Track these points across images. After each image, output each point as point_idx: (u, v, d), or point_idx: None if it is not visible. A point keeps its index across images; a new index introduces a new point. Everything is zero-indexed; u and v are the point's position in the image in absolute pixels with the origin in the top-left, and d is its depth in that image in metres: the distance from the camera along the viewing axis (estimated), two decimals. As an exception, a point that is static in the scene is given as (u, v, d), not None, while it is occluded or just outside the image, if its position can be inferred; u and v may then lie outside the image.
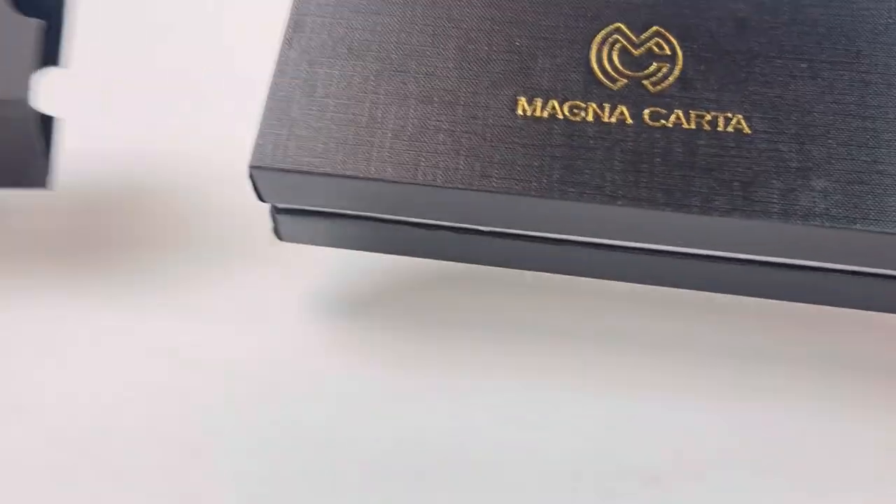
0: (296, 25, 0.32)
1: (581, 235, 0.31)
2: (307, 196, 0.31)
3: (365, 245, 0.33)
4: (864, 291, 0.31)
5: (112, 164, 0.37)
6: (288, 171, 0.30)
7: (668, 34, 0.32)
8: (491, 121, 0.30)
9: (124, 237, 0.36)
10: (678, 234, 0.30)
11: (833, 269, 0.30)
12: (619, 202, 0.29)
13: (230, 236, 0.36)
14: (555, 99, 0.31)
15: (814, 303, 0.32)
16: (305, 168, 0.30)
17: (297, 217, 0.32)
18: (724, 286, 0.32)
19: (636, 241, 0.31)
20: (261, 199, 0.31)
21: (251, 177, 0.30)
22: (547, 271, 0.33)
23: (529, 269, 0.33)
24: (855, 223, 0.28)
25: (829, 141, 0.29)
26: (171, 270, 0.35)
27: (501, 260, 0.33)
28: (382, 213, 0.31)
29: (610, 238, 0.31)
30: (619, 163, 0.29)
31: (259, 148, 0.30)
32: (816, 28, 0.31)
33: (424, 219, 0.31)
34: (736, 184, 0.29)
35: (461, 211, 0.30)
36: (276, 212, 0.32)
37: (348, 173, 0.29)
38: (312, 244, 0.33)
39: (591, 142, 0.30)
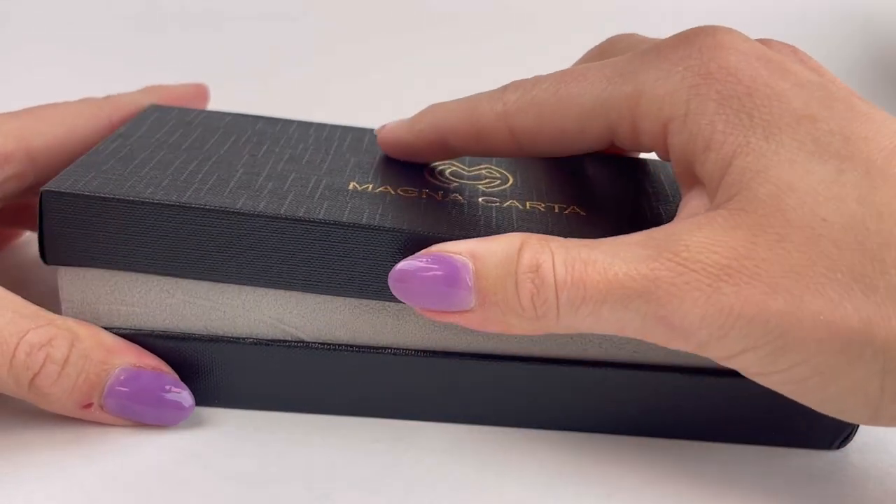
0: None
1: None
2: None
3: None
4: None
5: None
6: (87, 195, 0.28)
7: (497, 167, 0.34)
8: (323, 190, 0.30)
9: None
10: None
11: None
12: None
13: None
14: (388, 185, 0.31)
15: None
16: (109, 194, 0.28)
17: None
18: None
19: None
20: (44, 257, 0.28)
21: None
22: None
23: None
24: None
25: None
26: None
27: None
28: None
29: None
30: (454, 216, 0.29)
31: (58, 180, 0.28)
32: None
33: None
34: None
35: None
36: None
37: (164, 201, 0.28)
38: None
39: (423, 208, 0.30)
